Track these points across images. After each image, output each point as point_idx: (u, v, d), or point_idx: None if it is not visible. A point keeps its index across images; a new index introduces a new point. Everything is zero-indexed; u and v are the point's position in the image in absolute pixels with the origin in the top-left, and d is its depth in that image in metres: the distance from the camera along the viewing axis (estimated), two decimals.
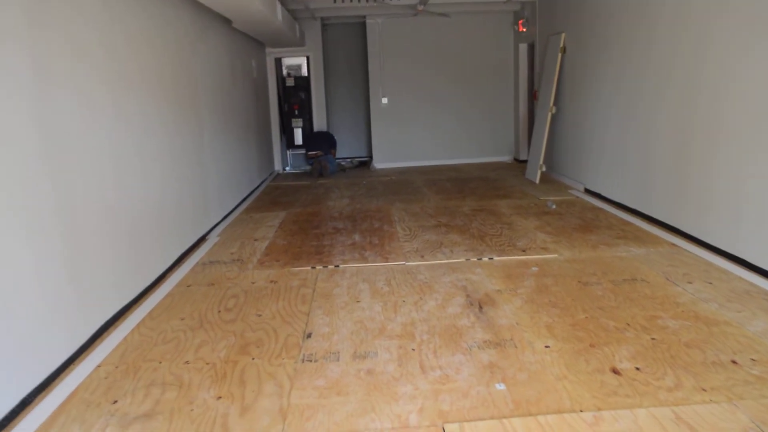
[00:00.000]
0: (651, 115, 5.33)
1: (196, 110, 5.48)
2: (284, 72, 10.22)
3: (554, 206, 6.26)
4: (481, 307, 3.59)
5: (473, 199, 6.92)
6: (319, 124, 10.30)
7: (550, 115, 7.57)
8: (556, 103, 7.60)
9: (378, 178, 9.02)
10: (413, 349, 3.06)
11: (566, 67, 7.40)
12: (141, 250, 4.03)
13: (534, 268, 4.28)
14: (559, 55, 7.39)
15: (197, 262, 4.77)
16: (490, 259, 4.56)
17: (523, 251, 4.71)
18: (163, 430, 2.41)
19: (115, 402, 2.65)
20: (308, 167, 10.05)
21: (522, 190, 7.41)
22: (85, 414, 2.56)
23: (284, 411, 2.52)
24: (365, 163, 10.63)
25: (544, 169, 7.79)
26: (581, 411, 2.41)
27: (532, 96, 9.11)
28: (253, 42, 8.66)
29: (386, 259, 4.67)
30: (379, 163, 10.26)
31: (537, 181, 7.74)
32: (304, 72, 10.19)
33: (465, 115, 10.16)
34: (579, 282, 3.96)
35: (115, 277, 3.61)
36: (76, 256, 3.14)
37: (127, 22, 4.00)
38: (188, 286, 4.20)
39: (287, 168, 10.51)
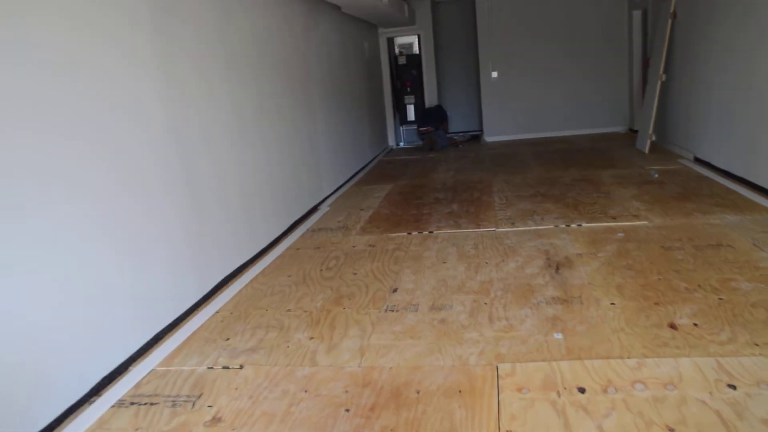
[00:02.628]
0: None
1: (308, 95, 6.01)
2: (396, 51, 10.61)
3: (657, 175, 6.19)
4: (558, 269, 3.81)
5: (576, 170, 6.97)
6: (430, 100, 10.62)
7: (659, 83, 7.38)
8: (666, 70, 7.38)
9: (486, 151, 9.22)
10: (485, 303, 3.37)
11: (677, 33, 7.16)
12: (257, 219, 4.62)
13: (620, 234, 4.39)
14: (669, 20, 7.17)
15: (307, 229, 5.32)
16: (578, 225, 4.71)
17: (613, 218, 4.80)
18: (263, 361, 2.92)
19: (228, 339, 3.20)
20: (420, 142, 10.43)
21: (629, 160, 7.32)
22: (204, 347, 3.13)
23: (363, 349, 2.94)
24: (477, 137, 10.82)
25: (654, 138, 7.63)
26: (628, 358, 2.62)
27: (645, 64, 8.85)
28: (365, 24, 9.11)
29: (478, 226, 4.95)
30: (489, 137, 10.42)
31: (646, 151, 7.60)
32: (416, 50, 10.52)
33: (577, 85, 10.03)
34: (662, 247, 4.04)
35: (234, 240, 4.21)
36: (202, 223, 3.74)
37: (248, 16, 4.56)
38: (297, 249, 4.75)
39: (401, 143, 10.96)
